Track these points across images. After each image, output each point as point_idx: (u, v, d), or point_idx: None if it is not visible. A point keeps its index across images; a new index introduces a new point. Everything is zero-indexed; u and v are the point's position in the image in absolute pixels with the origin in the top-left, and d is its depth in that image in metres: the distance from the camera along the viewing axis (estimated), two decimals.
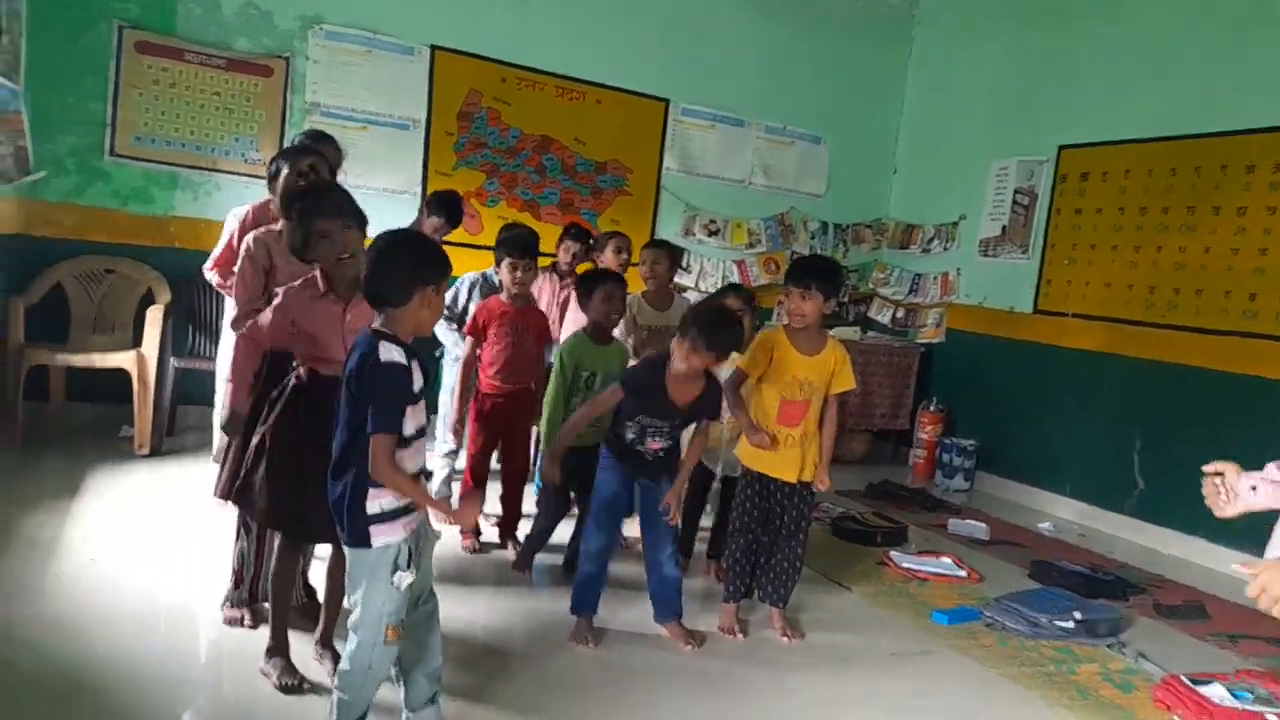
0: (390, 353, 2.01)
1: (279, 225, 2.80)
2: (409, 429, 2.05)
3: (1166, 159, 5.27)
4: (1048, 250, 5.96)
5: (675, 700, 2.74)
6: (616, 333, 3.82)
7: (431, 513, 2.17)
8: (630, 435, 2.99)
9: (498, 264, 3.77)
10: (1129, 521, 5.30)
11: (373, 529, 2.03)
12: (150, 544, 3.42)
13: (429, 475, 2.27)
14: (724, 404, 3.12)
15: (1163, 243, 5.27)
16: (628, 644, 3.09)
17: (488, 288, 4.17)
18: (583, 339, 3.52)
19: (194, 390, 4.90)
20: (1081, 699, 3.04)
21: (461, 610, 3.19)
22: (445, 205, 4.49)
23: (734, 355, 3.22)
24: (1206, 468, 2.17)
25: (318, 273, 2.45)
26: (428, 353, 4.27)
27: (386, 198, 5.57)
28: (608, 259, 4.40)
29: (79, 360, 4.53)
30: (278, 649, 2.51)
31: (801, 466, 3.21)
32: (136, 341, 4.70)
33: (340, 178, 3.27)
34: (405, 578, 2.04)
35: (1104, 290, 5.59)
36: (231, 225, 3.57)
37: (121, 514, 3.72)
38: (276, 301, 2.44)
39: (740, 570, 3.28)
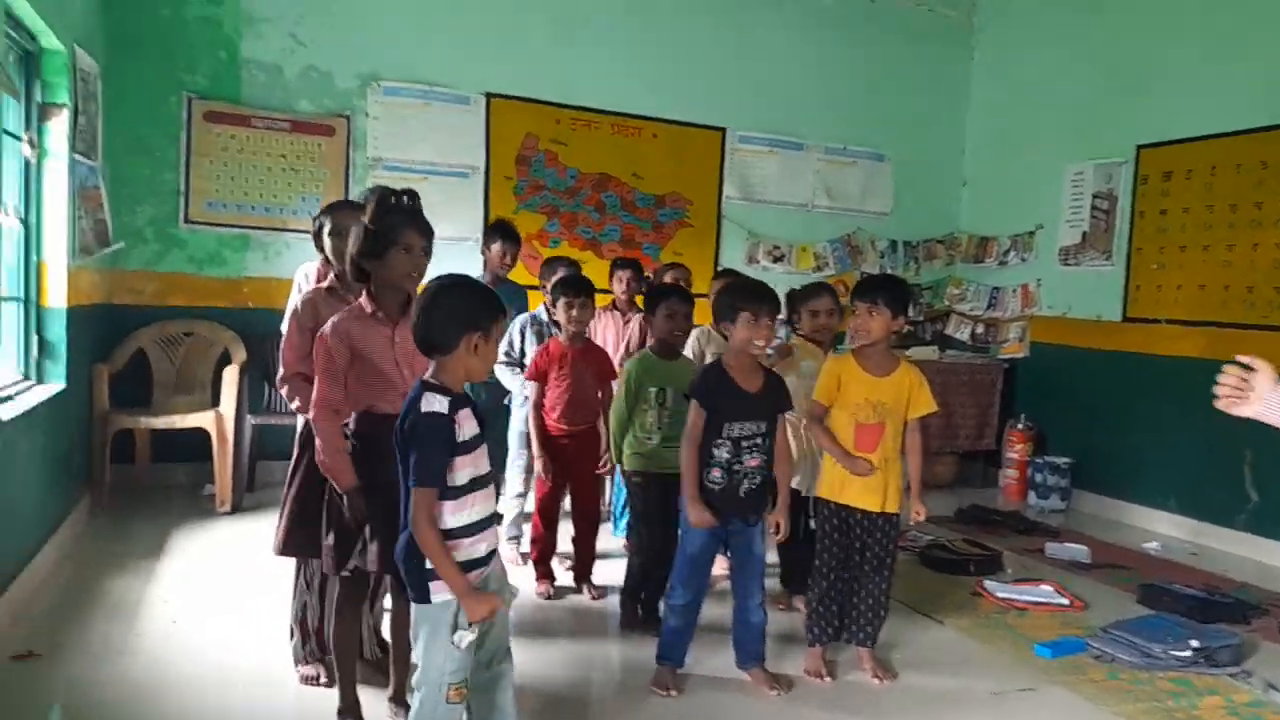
0: (431, 403, 1.97)
1: (326, 283, 2.80)
2: (460, 479, 2.00)
3: (1255, 152, 4.97)
4: (1133, 255, 5.68)
5: None
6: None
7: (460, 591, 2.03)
8: (725, 457, 2.86)
9: (553, 304, 3.74)
10: (1243, 537, 4.95)
11: (433, 584, 1.98)
12: (230, 602, 3.44)
13: (499, 519, 2.19)
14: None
15: (1259, 239, 4.96)
16: (711, 690, 2.96)
17: (538, 327, 4.15)
18: (648, 355, 3.50)
19: (271, 445, 4.97)
20: None
21: (537, 659, 3.12)
22: (496, 229, 4.61)
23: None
24: (1239, 357, 1.96)
25: (363, 298, 2.43)
26: (496, 397, 4.27)
27: (448, 245, 5.53)
28: None
29: (160, 423, 4.65)
30: (348, 709, 2.47)
31: (885, 495, 3.06)
32: (215, 401, 4.80)
33: None
34: (466, 636, 1.97)
35: (1198, 293, 5.28)
36: (299, 280, 3.61)
37: (203, 572, 3.77)
38: (326, 333, 2.39)
39: (826, 611, 3.13)
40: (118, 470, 4.91)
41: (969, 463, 6.52)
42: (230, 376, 4.74)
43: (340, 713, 2.48)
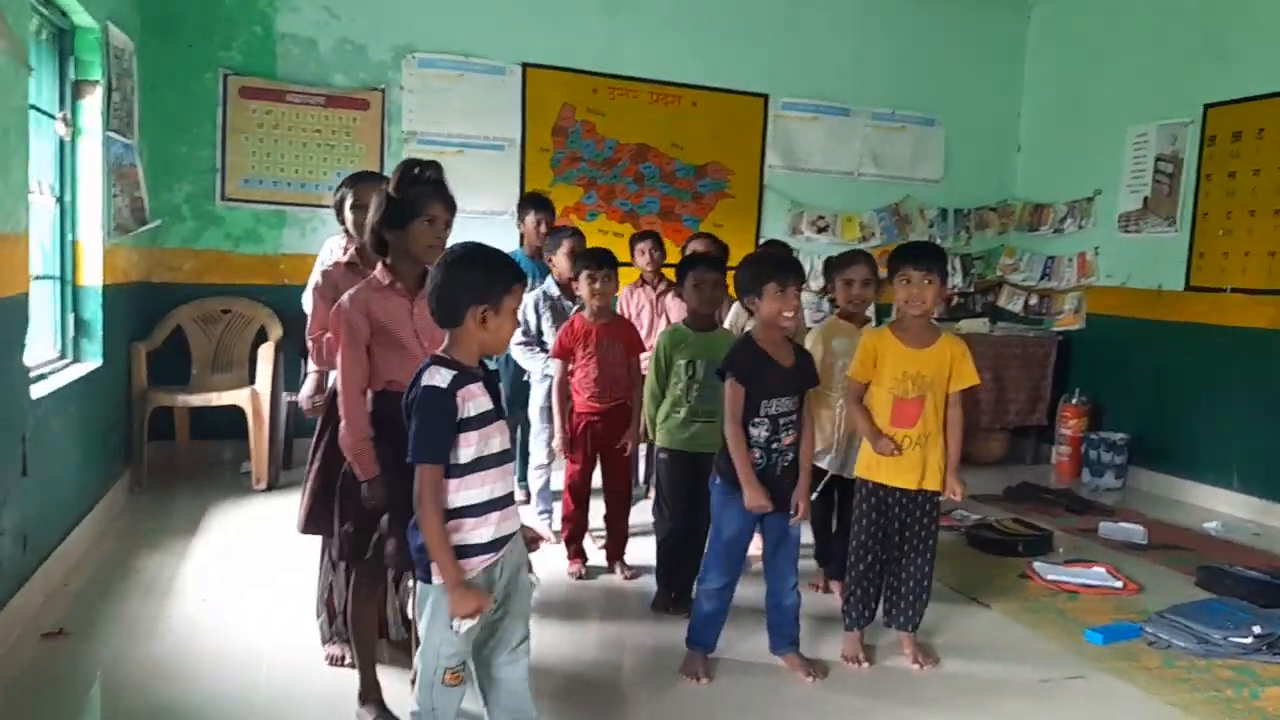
0: (433, 376, 1.90)
1: (346, 257, 2.74)
2: (462, 456, 1.92)
3: None
4: (1198, 221, 5.39)
5: None
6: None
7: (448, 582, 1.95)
8: (764, 435, 2.75)
9: (575, 278, 3.65)
10: None
11: (434, 566, 1.92)
12: (262, 580, 3.44)
13: (512, 500, 2.10)
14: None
15: None
16: (743, 676, 2.87)
17: (551, 302, 4.06)
18: (680, 328, 3.40)
19: (309, 423, 4.90)
20: None
21: (567, 640, 3.07)
22: (529, 200, 4.59)
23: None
24: None
25: (379, 269, 2.36)
26: (516, 375, 4.22)
27: (485, 220, 5.53)
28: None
29: (197, 400, 4.67)
30: (368, 694, 2.43)
31: (923, 471, 2.92)
32: (251, 378, 4.81)
33: None
34: (465, 623, 1.90)
35: (1268, 260, 5.00)
36: (324, 254, 3.58)
37: (236, 550, 3.78)
38: (344, 306, 2.32)
39: (863, 594, 3.01)
40: (157, 447, 4.97)
41: (1020, 439, 6.31)
42: (266, 354, 4.74)
43: (360, 697, 2.44)
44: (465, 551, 1.93)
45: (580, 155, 5.78)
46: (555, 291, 4.10)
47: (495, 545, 1.98)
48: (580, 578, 3.64)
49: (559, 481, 3.91)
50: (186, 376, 4.92)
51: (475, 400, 1.94)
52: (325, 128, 5.27)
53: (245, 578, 3.48)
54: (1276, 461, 4.90)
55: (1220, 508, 5.10)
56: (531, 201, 4.55)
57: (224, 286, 5.12)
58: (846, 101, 6.31)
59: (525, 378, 4.19)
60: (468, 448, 1.93)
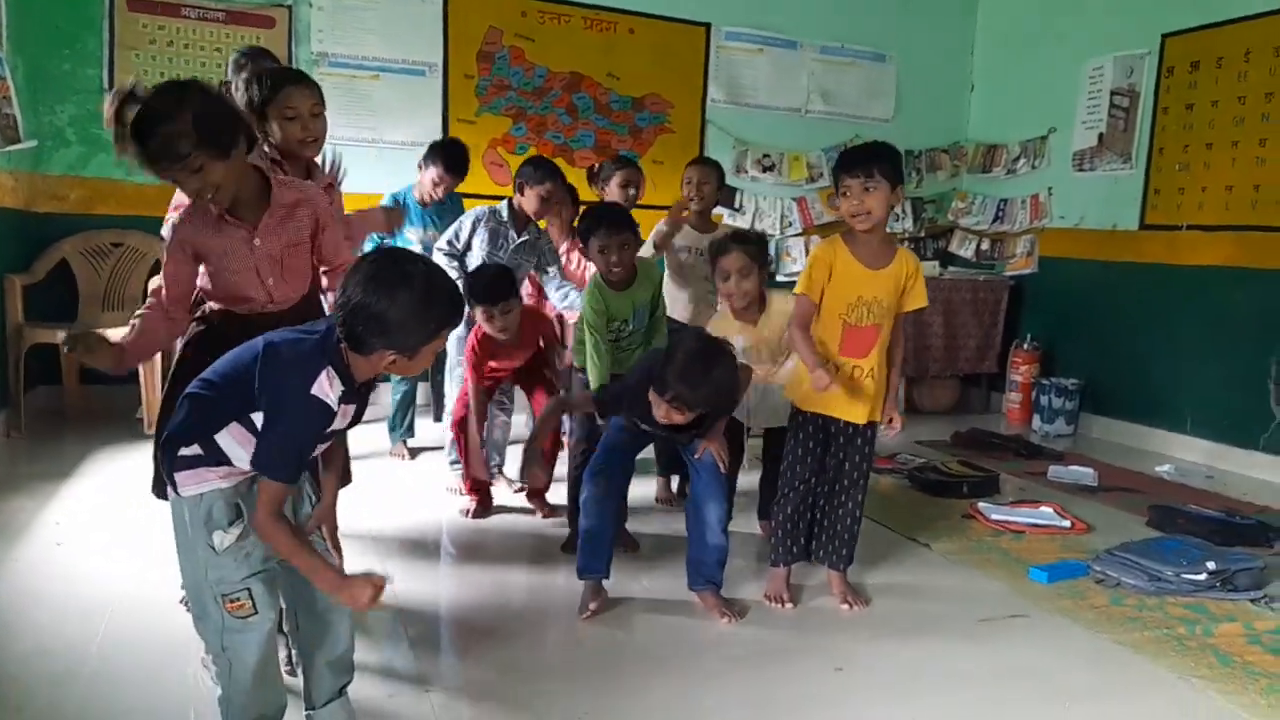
0: (325, 387, 1.56)
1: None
2: None
3: None
4: (1154, 156, 5.17)
5: (697, 683, 2.24)
6: (645, 251, 3.31)
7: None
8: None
9: (472, 308, 3.18)
10: (1266, 459, 4.54)
11: (178, 475, 1.60)
12: (130, 527, 3.08)
13: (346, 482, 1.83)
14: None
15: None
16: (649, 614, 2.60)
17: (495, 223, 3.65)
18: (598, 288, 2.96)
19: None
20: (1223, 666, 2.42)
21: (453, 586, 2.78)
22: (441, 152, 4.01)
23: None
24: None
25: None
26: None
27: (405, 151, 5.14)
28: (612, 193, 3.91)
29: None
30: None
31: (872, 405, 2.64)
32: None
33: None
34: (223, 537, 1.60)
35: (1225, 195, 4.79)
36: None
37: (109, 496, 3.42)
38: (167, 242, 2.04)
39: (793, 529, 2.74)
40: (46, 392, 4.60)
41: (970, 387, 6.10)
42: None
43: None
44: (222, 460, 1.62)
45: (508, 83, 5.41)
46: (505, 215, 3.67)
47: None
48: (472, 516, 3.36)
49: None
50: (74, 314, 4.52)
51: (343, 420, 1.66)
52: (226, 46, 4.82)
53: (111, 521, 3.12)
54: (1230, 404, 4.73)
55: (1174, 452, 4.92)
56: (443, 155, 3.99)
57: (116, 218, 4.70)
58: (793, 34, 5.99)
59: None
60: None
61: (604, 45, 5.57)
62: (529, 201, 3.61)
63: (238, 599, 1.62)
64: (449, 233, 3.69)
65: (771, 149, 6.03)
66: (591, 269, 3.28)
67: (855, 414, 2.64)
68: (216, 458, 1.59)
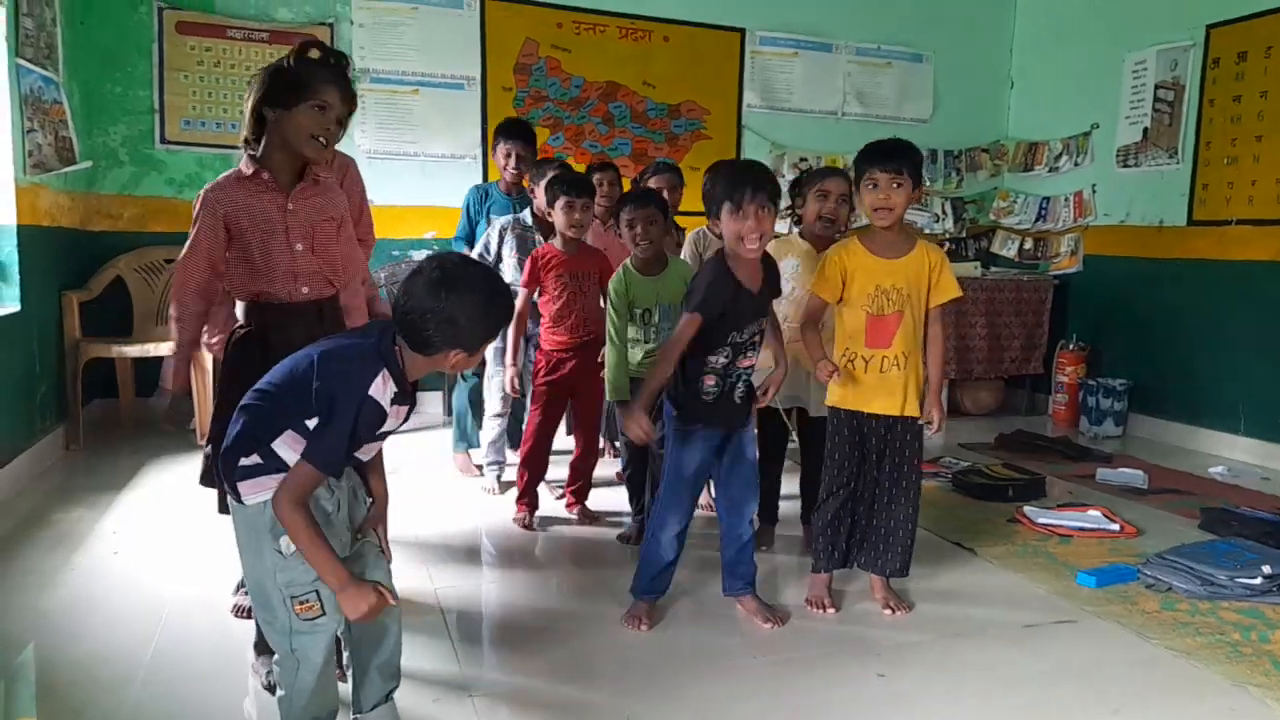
0: (381, 388, 1.63)
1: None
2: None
3: None
4: (1201, 150, 5.07)
5: (739, 688, 2.24)
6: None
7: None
8: (722, 363, 2.46)
9: (549, 206, 3.34)
10: None
11: (241, 485, 1.64)
12: (183, 534, 3.17)
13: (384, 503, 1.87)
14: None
15: None
16: (691, 619, 2.61)
17: (520, 230, 3.73)
18: (628, 271, 3.06)
19: None
20: None
21: (500, 590, 2.81)
22: (505, 125, 4.21)
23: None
24: None
25: (243, 160, 2.08)
26: None
27: (446, 163, 5.27)
28: None
29: (134, 351, 4.40)
30: (263, 644, 2.15)
31: (904, 396, 2.62)
32: None
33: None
34: (292, 542, 1.63)
35: (1276, 189, 4.68)
36: None
37: (164, 504, 3.51)
38: (199, 208, 2.06)
39: (834, 534, 2.72)
40: (103, 405, 4.73)
41: (1015, 389, 6.02)
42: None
43: (255, 647, 2.17)
44: (282, 467, 1.65)
45: (545, 94, 5.46)
46: (529, 220, 3.75)
47: None
48: (524, 526, 3.37)
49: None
50: (129, 329, 4.65)
51: (394, 421, 1.71)
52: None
53: (165, 531, 3.21)
54: None
55: (1226, 453, 4.81)
56: (505, 125, 4.19)
57: (168, 235, 4.82)
58: (828, 36, 5.98)
59: None
60: (362, 453, 1.75)
61: (639, 54, 5.60)
62: (541, 192, 3.61)
63: (306, 600, 1.65)
64: (479, 245, 3.76)
65: (808, 152, 6.01)
66: None
67: (887, 406, 2.63)
68: (276, 465, 1.63)
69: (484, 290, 1.66)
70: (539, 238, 3.69)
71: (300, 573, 1.65)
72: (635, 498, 3.28)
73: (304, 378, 1.62)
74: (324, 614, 1.66)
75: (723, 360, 2.47)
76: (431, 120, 5.24)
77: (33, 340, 3.94)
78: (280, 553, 1.63)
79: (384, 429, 1.70)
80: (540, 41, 5.41)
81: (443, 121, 5.26)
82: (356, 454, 1.72)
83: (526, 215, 3.76)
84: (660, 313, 3.04)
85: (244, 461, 1.63)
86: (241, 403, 1.68)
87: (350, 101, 2.16)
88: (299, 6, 4.99)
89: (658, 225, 3.02)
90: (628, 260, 3.09)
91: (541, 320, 3.38)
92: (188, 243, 2.08)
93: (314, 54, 2.09)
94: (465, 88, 5.32)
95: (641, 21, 5.57)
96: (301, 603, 1.65)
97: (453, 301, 1.61)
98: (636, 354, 3.06)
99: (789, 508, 3.36)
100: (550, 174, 3.59)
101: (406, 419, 1.76)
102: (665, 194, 3.95)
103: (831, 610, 2.69)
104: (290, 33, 4.95)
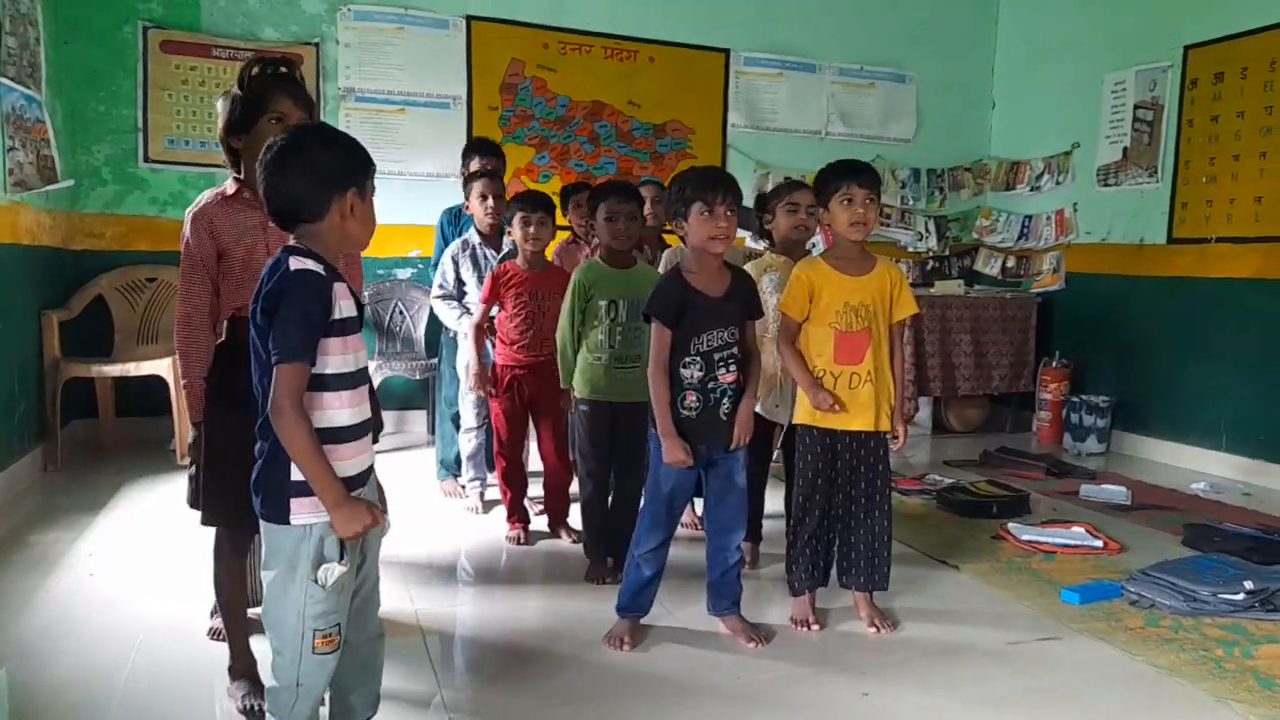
0: (304, 263, 1.58)
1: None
2: (337, 365, 1.61)
3: None
4: (1180, 169, 5.12)
5: (724, 708, 2.22)
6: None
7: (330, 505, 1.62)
8: (698, 376, 2.46)
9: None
10: None
11: (294, 501, 1.59)
12: (160, 556, 3.13)
13: (379, 429, 1.82)
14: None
15: None
16: (675, 639, 2.59)
17: (470, 251, 3.76)
18: (597, 263, 3.07)
19: None
20: (1264, 689, 2.36)
21: (489, 610, 2.79)
22: (473, 144, 4.31)
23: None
24: None
25: (229, 180, 2.12)
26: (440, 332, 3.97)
27: (431, 183, 5.26)
28: None
29: (114, 370, 4.37)
30: (238, 667, 2.13)
31: (877, 412, 2.64)
32: None
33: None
34: (333, 570, 1.59)
35: (1254, 207, 4.73)
36: None
37: (143, 526, 3.47)
38: (186, 223, 2.08)
39: (813, 554, 2.71)
40: (83, 425, 4.69)
41: (1000, 407, 6.03)
42: None
43: (230, 671, 2.15)
44: (345, 484, 1.62)
45: (531, 114, 5.48)
46: (476, 239, 3.79)
47: (364, 477, 1.69)
48: (518, 544, 3.36)
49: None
50: (110, 349, 4.61)
51: (346, 301, 1.63)
52: None
53: (143, 553, 3.17)
54: (1267, 419, 4.64)
55: (1209, 469, 4.83)
56: (473, 144, 4.29)
57: (150, 254, 4.81)
58: (812, 56, 6.03)
59: (451, 334, 3.90)
60: (342, 355, 1.62)
61: (625, 74, 5.63)
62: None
63: (329, 635, 1.62)
64: (436, 278, 3.79)
65: (793, 172, 6.00)
66: None
67: (861, 422, 2.64)
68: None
69: (318, 126, 1.78)
70: (489, 252, 3.73)
71: (332, 603, 1.62)
72: (590, 535, 3.14)
73: (261, 329, 1.60)
74: (339, 648, 1.65)
75: (697, 373, 2.47)
76: (417, 139, 5.25)
77: (11, 359, 3.91)
78: (318, 583, 1.59)
79: (346, 313, 1.62)
80: (526, 61, 5.43)
81: (428, 140, 5.27)
82: (338, 359, 1.62)
83: (472, 234, 3.80)
84: (628, 309, 2.99)
85: (297, 476, 1.59)
86: (262, 408, 1.61)
87: (306, 106, 2.17)
88: (284, 26, 5.00)
89: (636, 222, 3.04)
90: (597, 256, 3.11)
91: (498, 336, 3.38)
92: (184, 267, 2.08)
93: (255, 70, 2.11)
94: (451, 107, 5.33)
95: (627, 42, 5.60)
96: (324, 636, 1.62)
97: (306, 148, 1.62)
98: (602, 361, 3.02)
99: (773, 526, 3.35)
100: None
101: (360, 308, 1.69)
102: (649, 204, 3.99)
103: (816, 628, 2.68)
104: (275, 52, 4.94)
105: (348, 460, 1.64)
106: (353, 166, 1.66)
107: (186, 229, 2.06)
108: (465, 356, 3.69)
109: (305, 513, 1.60)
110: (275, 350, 1.55)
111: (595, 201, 3.10)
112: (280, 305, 1.56)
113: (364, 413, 1.68)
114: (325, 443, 1.59)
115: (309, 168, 1.62)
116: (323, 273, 1.59)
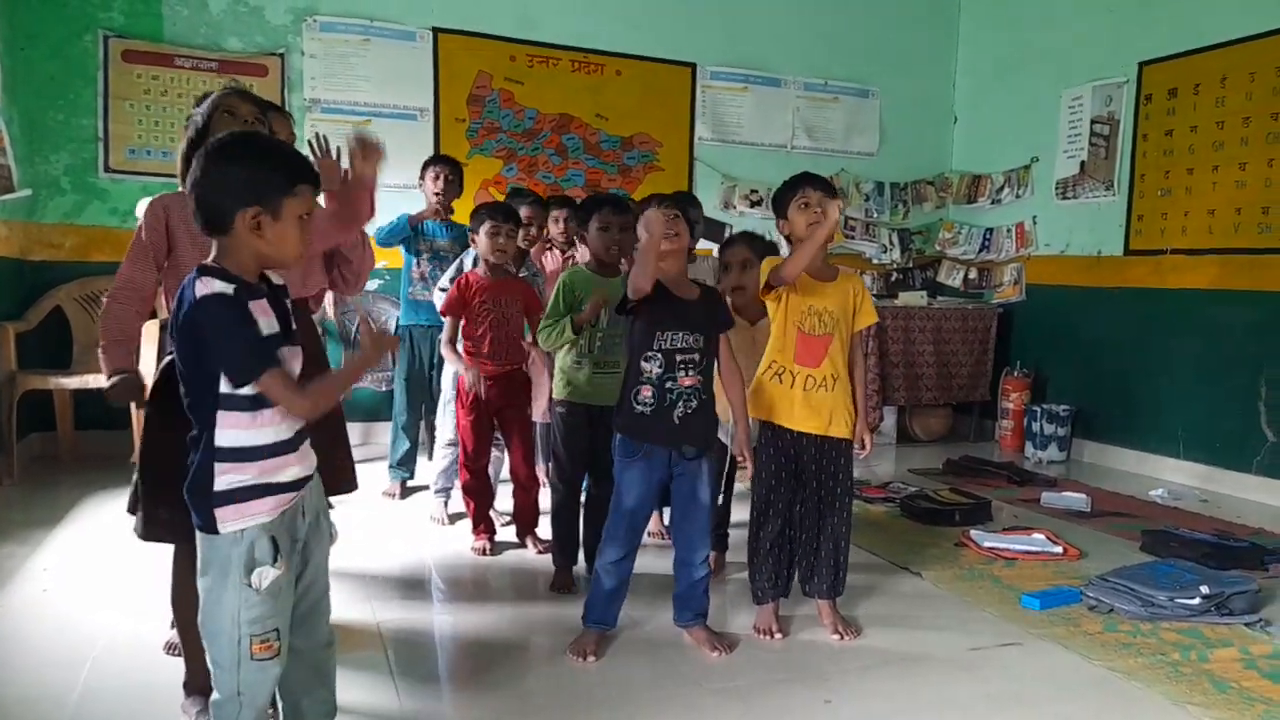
0: (209, 286, 1.53)
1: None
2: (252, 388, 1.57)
3: (1271, 57, 4.51)
4: (1136, 183, 5.23)
5: (687, 717, 2.22)
6: None
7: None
8: (656, 371, 2.46)
9: (474, 231, 3.35)
10: (1259, 481, 4.54)
11: (219, 511, 1.57)
12: (117, 571, 3.07)
13: (302, 439, 1.80)
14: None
15: (1275, 155, 4.51)
16: (639, 649, 2.59)
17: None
18: (582, 271, 3.08)
19: None
20: (1219, 692, 2.41)
21: (453, 621, 2.77)
22: (432, 158, 4.46)
23: None
24: None
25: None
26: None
27: (399, 194, 5.19)
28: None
29: (73, 383, 4.30)
30: (193, 683, 2.09)
31: (830, 418, 2.66)
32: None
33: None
34: (267, 574, 1.58)
35: (1208, 219, 4.84)
36: None
37: (100, 541, 3.41)
38: (144, 216, 2.12)
39: (775, 563, 2.72)
40: (41, 439, 4.61)
41: (962, 416, 6.11)
42: (149, 332, 4.35)
43: (185, 686, 2.11)
44: (268, 489, 1.60)
45: (499, 126, 5.49)
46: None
47: (299, 484, 1.67)
48: (485, 553, 3.34)
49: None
50: (68, 361, 4.54)
51: (265, 319, 1.60)
52: None
53: (99, 568, 3.11)
54: (1221, 426, 4.74)
55: (1166, 476, 4.92)
56: (432, 158, 4.43)
57: (110, 265, 4.66)
58: (777, 71, 6.09)
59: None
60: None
61: (592, 87, 5.65)
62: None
63: (267, 640, 1.60)
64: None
65: (759, 184, 6.09)
66: None
67: (812, 424, 2.65)
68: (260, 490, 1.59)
69: (244, 135, 1.70)
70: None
71: (268, 608, 1.60)
72: (559, 541, 3.13)
73: (183, 358, 1.59)
74: (278, 654, 1.62)
75: (657, 369, 2.47)
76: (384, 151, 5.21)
77: None
78: (251, 586, 1.57)
79: (268, 331, 1.59)
80: (494, 74, 5.44)
81: (395, 152, 5.15)
82: (283, 368, 1.60)
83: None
84: (607, 319, 2.99)
85: (221, 485, 1.57)
86: (190, 434, 1.61)
87: (254, 101, 2.26)
88: (249, 37, 4.97)
89: (629, 233, 3.02)
90: (582, 264, 3.12)
91: (464, 346, 3.37)
92: (131, 253, 2.08)
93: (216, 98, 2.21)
94: (418, 118, 5.32)
95: (594, 55, 5.63)
96: (262, 642, 1.59)
97: (217, 156, 1.57)
98: (585, 371, 3.04)
99: (740, 536, 3.35)
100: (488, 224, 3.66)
101: (285, 322, 1.66)
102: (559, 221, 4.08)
103: (779, 636, 2.69)
104: (240, 62, 4.92)
105: (277, 472, 1.62)
106: (262, 181, 1.58)
107: (140, 215, 2.07)
108: (452, 369, 3.66)
109: (232, 520, 1.58)
110: (233, 374, 1.55)
111: (588, 212, 3.10)
112: (202, 346, 1.54)
113: (288, 429, 1.65)
114: (262, 458, 1.59)
115: (217, 178, 1.57)
116: (231, 293, 1.55)
